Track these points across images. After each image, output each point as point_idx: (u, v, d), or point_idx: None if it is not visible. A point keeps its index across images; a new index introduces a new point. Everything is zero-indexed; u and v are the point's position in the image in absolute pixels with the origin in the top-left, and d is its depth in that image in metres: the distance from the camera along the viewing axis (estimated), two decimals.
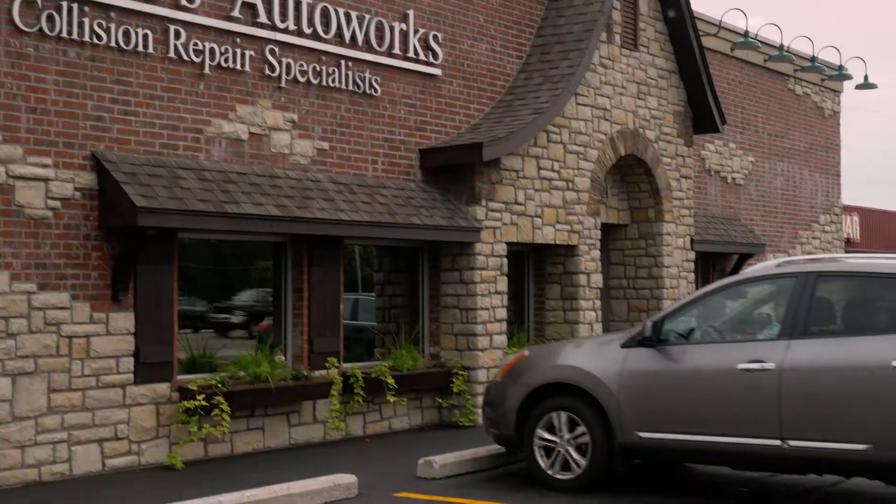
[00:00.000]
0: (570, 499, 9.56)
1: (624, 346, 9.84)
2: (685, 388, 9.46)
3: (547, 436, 10.05)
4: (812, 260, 9.85)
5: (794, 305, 9.21)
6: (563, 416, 9.97)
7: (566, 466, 9.95)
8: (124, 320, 10.75)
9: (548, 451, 10.08)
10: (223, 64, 11.70)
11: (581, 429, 9.86)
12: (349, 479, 9.62)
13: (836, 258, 10.06)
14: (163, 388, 11.00)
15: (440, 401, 13.99)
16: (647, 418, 9.58)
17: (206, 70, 11.56)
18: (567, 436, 9.95)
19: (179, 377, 11.21)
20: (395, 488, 9.92)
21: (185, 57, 11.36)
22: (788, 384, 8.94)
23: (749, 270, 9.97)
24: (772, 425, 8.99)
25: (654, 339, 9.65)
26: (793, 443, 8.93)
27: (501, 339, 14.19)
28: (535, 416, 10.13)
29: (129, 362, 10.76)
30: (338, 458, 11.48)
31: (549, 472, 10.03)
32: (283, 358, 12.26)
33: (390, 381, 12.85)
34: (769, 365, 9.04)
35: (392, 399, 12.95)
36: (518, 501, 9.47)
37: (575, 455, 9.90)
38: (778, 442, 8.98)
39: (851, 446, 8.71)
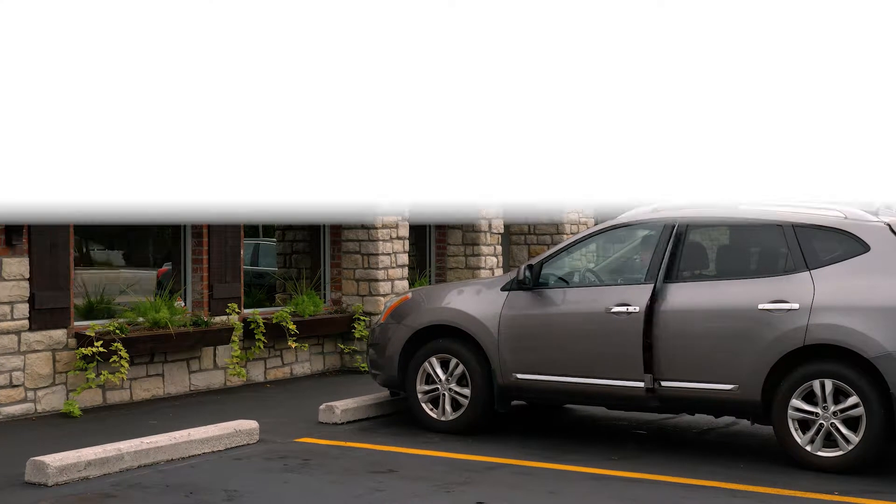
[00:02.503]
0: (465, 442, 9.64)
1: (503, 289, 9.95)
2: (559, 331, 9.60)
3: (431, 377, 10.14)
4: (684, 206, 9.99)
5: (664, 250, 9.36)
6: (445, 357, 10.07)
7: (450, 407, 10.05)
8: (18, 265, 10.52)
9: (431, 393, 10.16)
10: None
11: (462, 370, 9.97)
12: (250, 424, 9.58)
13: (707, 204, 10.20)
14: (59, 334, 10.82)
15: (342, 346, 13.99)
16: (524, 360, 9.71)
17: None
18: (449, 378, 10.06)
19: (77, 323, 11.04)
20: (296, 434, 9.91)
21: None
22: (656, 327, 9.12)
23: (624, 215, 10.09)
24: (640, 367, 9.16)
25: (531, 283, 9.77)
26: (662, 383, 9.12)
27: (403, 285, 14.21)
28: (417, 358, 10.20)
29: (24, 308, 10.54)
30: (239, 404, 11.42)
31: (433, 414, 10.13)
32: (182, 304, 12.13)
33: (291, 326, 12.81)
34: (635, 308, 9.20)
35: (293, 345, 12.92)
36: (418, 445, 9.52)
37: (457, 397, 10.02)
38: (647, 383, 9.17)
39: (719, 386, 8.92)
